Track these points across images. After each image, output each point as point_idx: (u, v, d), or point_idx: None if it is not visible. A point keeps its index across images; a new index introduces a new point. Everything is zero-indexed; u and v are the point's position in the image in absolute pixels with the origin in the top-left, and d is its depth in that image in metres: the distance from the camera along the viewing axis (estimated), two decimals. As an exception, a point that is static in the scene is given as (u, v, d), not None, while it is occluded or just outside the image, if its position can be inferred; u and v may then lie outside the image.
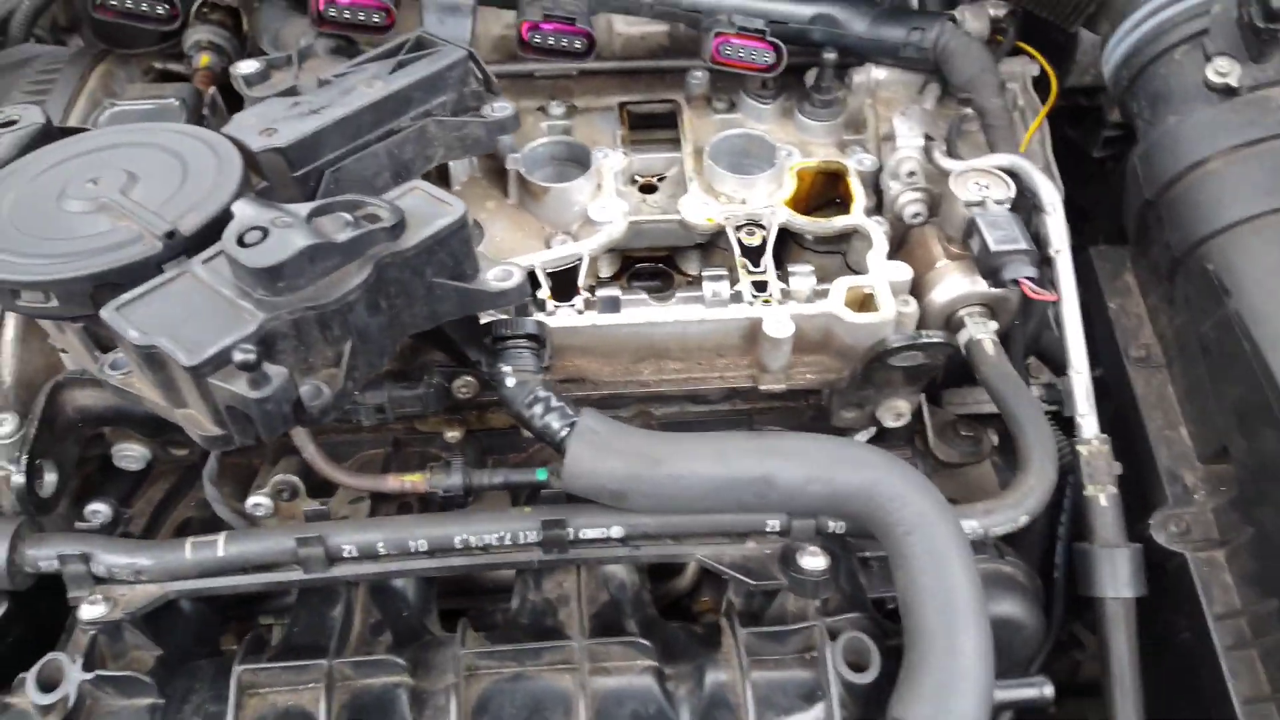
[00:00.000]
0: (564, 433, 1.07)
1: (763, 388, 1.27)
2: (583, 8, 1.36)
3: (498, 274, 0.98)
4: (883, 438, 1.34)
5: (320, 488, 1.29)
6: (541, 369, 1.13)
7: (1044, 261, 1.26)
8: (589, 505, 1.11)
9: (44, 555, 1.08)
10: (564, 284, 1.30)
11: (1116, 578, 1.16)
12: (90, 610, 1.06)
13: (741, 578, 1.11)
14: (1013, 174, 1.30)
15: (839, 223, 1.33)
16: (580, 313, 1.26)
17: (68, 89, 1.32)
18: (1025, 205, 1.31)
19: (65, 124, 1.27)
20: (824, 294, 1.27)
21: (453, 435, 1.33)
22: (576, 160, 1.42)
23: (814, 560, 1.08)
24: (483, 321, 1.12)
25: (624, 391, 1.28)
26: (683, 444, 1.07)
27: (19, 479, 1.08)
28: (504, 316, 1.13)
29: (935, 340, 1.13)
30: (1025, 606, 1.20)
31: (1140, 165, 1.32)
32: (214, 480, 1.16)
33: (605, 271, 1.44)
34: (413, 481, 1.20)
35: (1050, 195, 1.28)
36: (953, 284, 1.30)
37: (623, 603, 1.18)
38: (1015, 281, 1.19)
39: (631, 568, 1.22)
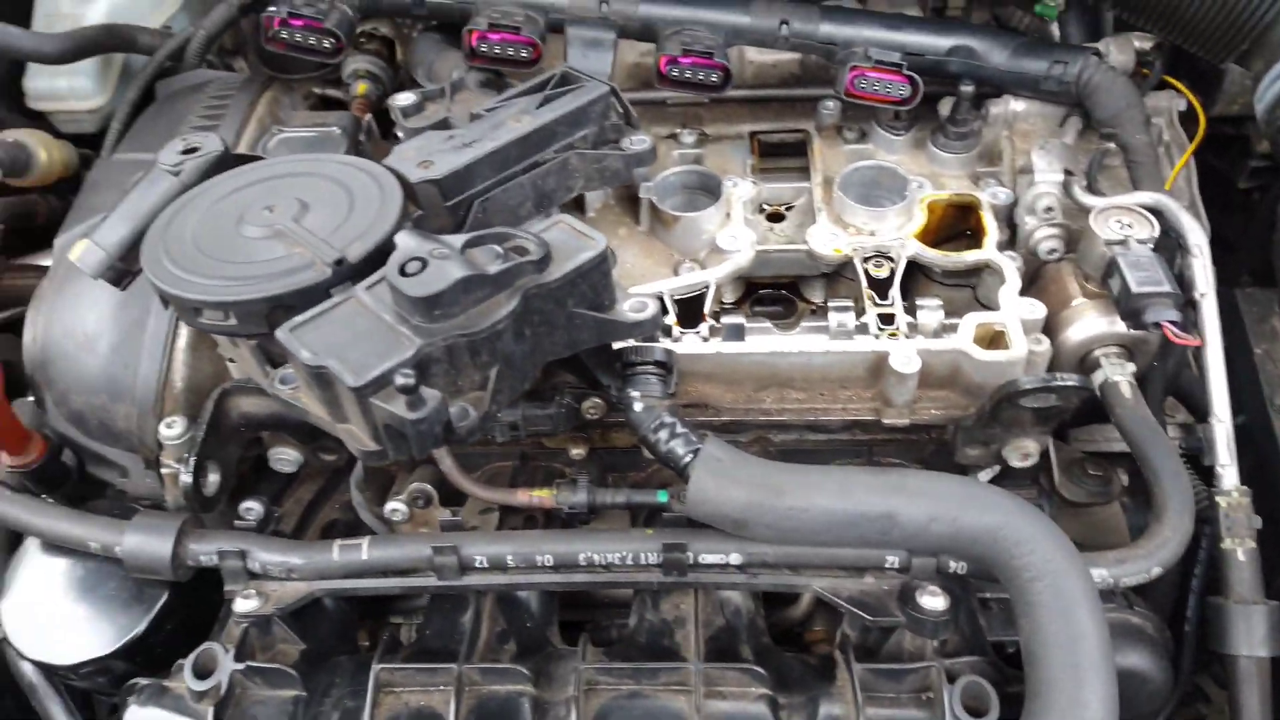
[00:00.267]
0: (688, 459, 1.10)
1: (886, 421, 1.27)
2: (719, 41, 1.39)
3: (633, 305, 1.02)
4: (1006, 476, 1.32)
5: (452, 496, 1.35)
6: (668, 395, 1.16)
7: (1187, 304, 1.22)
8: (709, 530, 1.13)
9: (205, 550, 1.17)
10: (690, 310, 1.33)
11: (1252, 635, 1.12)
12: (244, 604, 1.15)
13: (859, 613, 1.11)
14: (1157, 212, 1.27)
15: (970, 257, 1.32)
16: (705, 340, 1.29)
17: (239, 114, 1.43)
18: (1169, 245, 1.28)
19: (236, 147, 1.38)
20: (952, 329, 1.27)
21: (577, 452, 1.37)
22: (707, 189, 1.45)
23: (934, 600, 1.08)
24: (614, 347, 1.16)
25: (745, 419, 1.30)
26: (806, 476, 1.09)
27: (186, 479, 1.17)
28: (634, 343, 1.17)
29: (1070, 384, 1.11)
30: (1153, 659, 1.17)
31: (1291, 207, 1.27)
32: (360, 487, 1.24)
33: (729, 297, 1.47)
34: (540, 497, 1.25)
35: (1196, 236, 1.25)
36: (1089, 323, 1.28)
37: (738, 628, 1.21)
38: (1157, 325, 1.16)
39: (747, 594, 1.24)
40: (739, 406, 1.30)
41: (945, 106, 1.51)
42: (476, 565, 1.15)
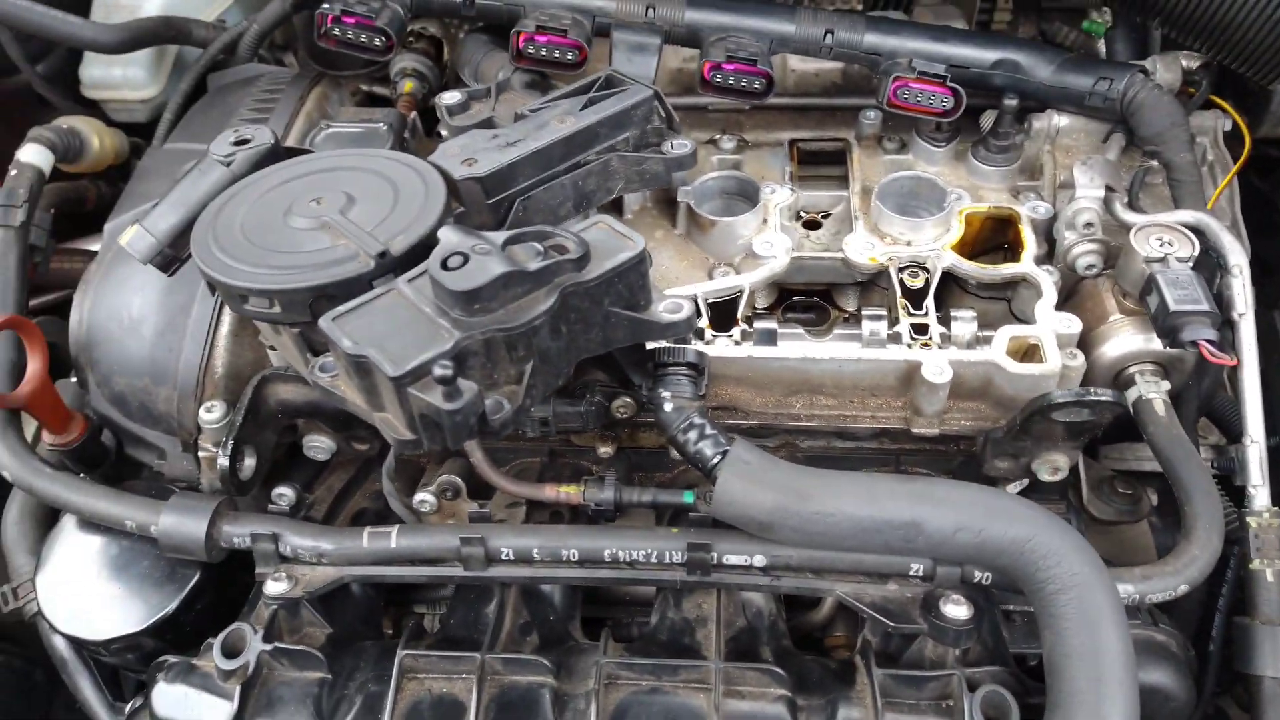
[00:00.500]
0: (715, 460, 1.11)
1: (915, 431, 1.27)
2: (764, 48, 1.40)
3: (669, 306, 1.03)
4: (1035, 490, 1.32)
5: (480, 490, 1.37)
6: (699, 396, 1.17)
7: (1225, 324, 1.22)
8: (734, 532, 1.14)
9: (238, 532, 1.20)
10: (723, 314, 1.34)
11: (1278, 657, 1.11)
12: (274, 586, 1.17)
13: (881, 618, 1.12)
14: (1198, 231, 1.26)
15: (1007, 270, 1.32)
16: (738, 343, 1.30)
17: (288, 108, 1.46)
18: (1208, 264, 1.27)
19: (285, 140, 1.41)
20: (985, 341, 1.27)
21: (605, 451, 1.39)
22: (745, 195, 1.46)
23: (957, 609, 1.08)
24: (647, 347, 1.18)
25: (774, 423, 1.31)
26: (832, 481, 1.09)
27: (223, 461, 1.20)
28: (667, 344, 1.18)
29: (1103, 399, 1.11)
30: (1176, 677, 1.16)
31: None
32: (391, 476, 1.26)
33: (762, 303, 1.47)
34: (568, 492, 1.26)
35: (1236, 256, 1.24)
36: (1125, 340, 1.27)
37: (759, 630, 1.21)
38: (1194, 344, 1.16)
39: (769, 596, 1.24)
40: (769, 411, 1.31)
41: (987, 120, 1.51)
42: (503, 557, 1.17)
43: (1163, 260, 1.24)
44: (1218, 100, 1.49)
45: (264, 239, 1.04)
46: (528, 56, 1.39)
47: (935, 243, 1.37)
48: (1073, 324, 1.25)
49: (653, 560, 1.16)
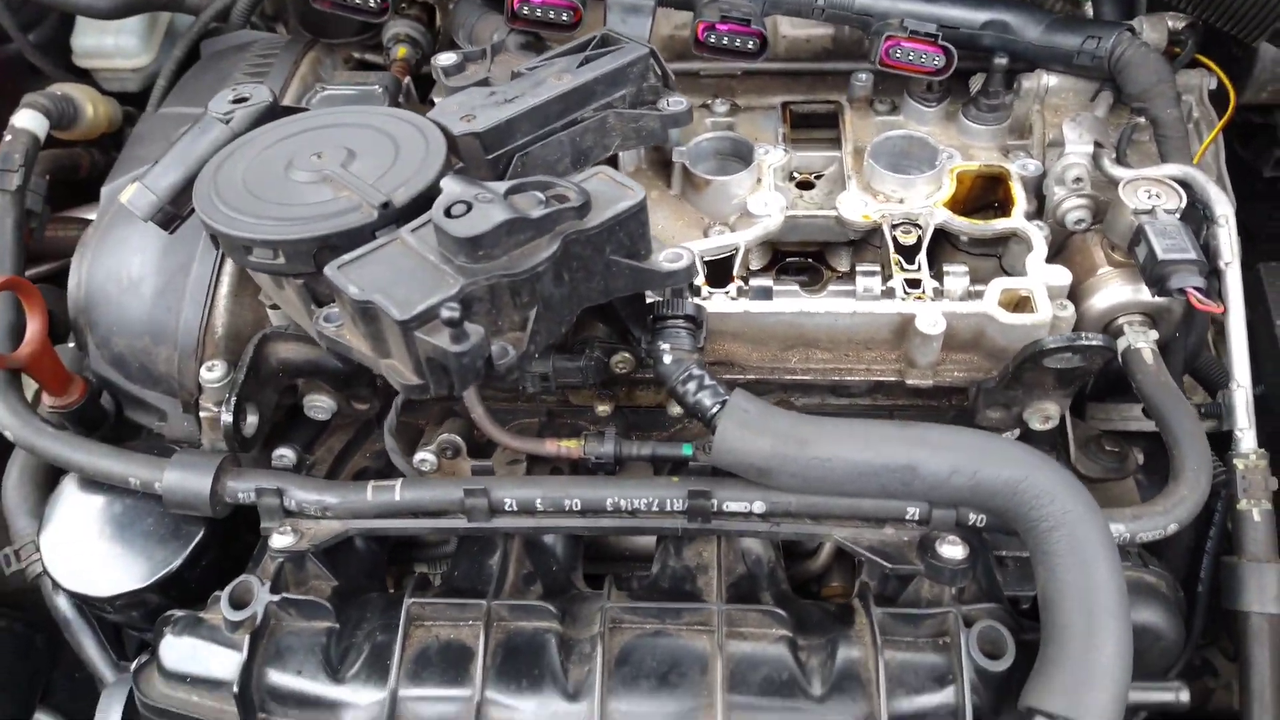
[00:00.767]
0: (715, 410, 1.13)
1: (909, 382, 1.29)
2: (756, 9, 1.41)
3: (669, 255, 1.05)
4: (1026, 441, 1.34)
5: (479, 449, 1.39)
6: (697, 349, 1.19)
7: (1212, 273, 1.24)
8: (734, 479, 1.16)
9: (243, 488, 1.21)
10: (719, 273, 1.35)
11: (1264, 593, 1.15)
12: (280, 540, 1.18)
13: (879, 560, 1.14)
14: (1185, 184, 1.29)
15: (999, 225, 1.34)
16: (733, 299, 1.32)
17: (283, 72, 1.46)
18: (1195, 217, 1.29)
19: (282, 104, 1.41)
20: (978, 295, 1.29)
21: (603, 409, 1.40)
22: (739, 155, 1.47)
23: (953, 549, 1.10)
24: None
25: (771, 378, 1.33)
26: (830, 427, 1.11)
27: (227, 418, 1.21)
28: (664, 298, 1.20)
29: (1094, 343, 1.13)
30: (1166, 616, 1.19)
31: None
32: (393, 433, 1.27)
33: (755, 264, 1.49)
34: (568, 447, 1.28)
35: (1223, 207, 1.27)
36: (1114, 291, 1.30)
37: (759, 577, 1.23)
38: (1181, 291, 1.18)
39: (767, 544, 1.26)
40: (764, 365, 1.33)
41: (976, 83, 1.53)
42: (506, 508, 1.19)
43: (1150, 212, 1.26)
44: (1203, 59, 1.51)
45: (266, 192, 1.05)
46: (522, 18, 1.39)
47: (927, 200, 1.39)
48: (1063, 276, 1.28)
49: (654, 509, 1.18)
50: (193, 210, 1.15)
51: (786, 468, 1.10)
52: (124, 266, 1.29)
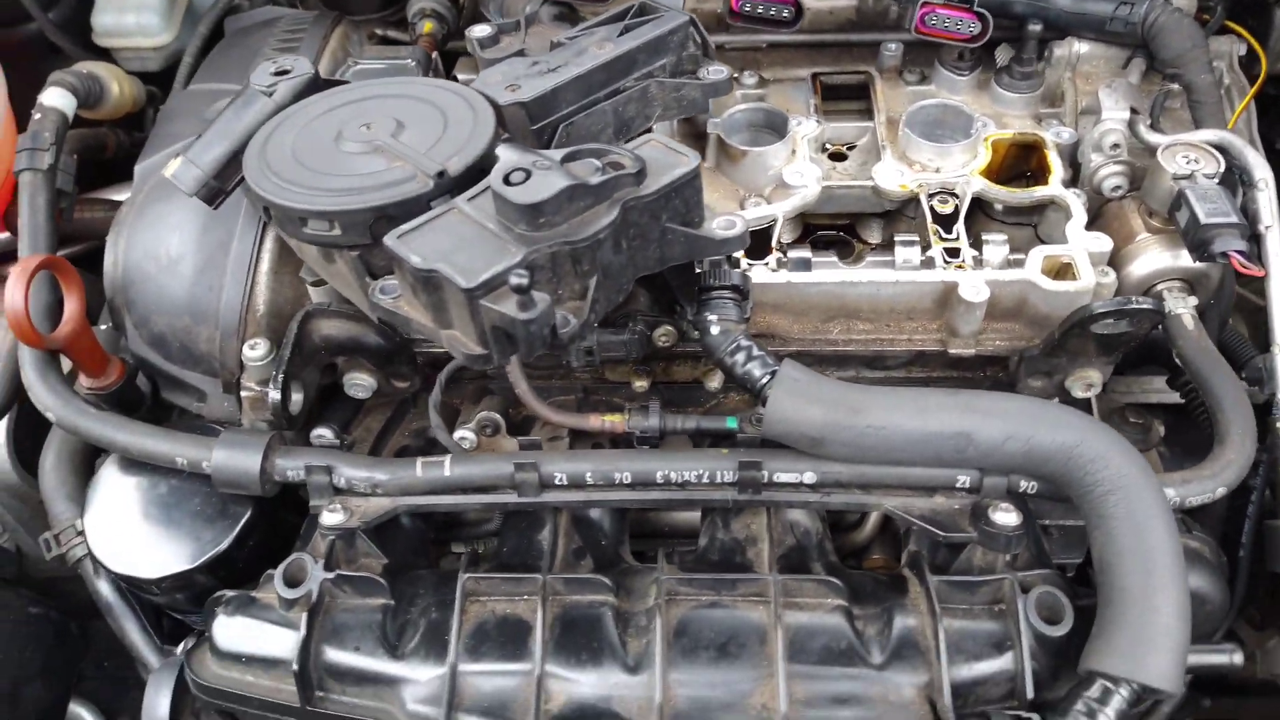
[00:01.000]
0: (765, 380, 1.13)
1: (952, 352, 1.29)
2: (791, -23, 1.41)
3: (722, 223, 1.04)
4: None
5: (517, 426, 1.39)
6: (743, 320, 1.19)
7: (1252, 238, 1.24)
8: (784, 450, 1.16)
9: (292, 466, 1.20)
10: (756, 244, 1.34)
11: (1308, 554, 1.15)
12: (330, 517, 1.18)
13: (932, 529, 1.14)
14: (1222, 149, 1.29)
15: (1038, 193, 1.34)
16: (774, 270, 1.31)
17: (313, 47, 1.45)
18: (1231, 182, 1.30)
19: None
20: (1018, 263, 1.29)
21: (640, 385, 1.40)
22: (772, 127, 1.47)
23: (1006, 515, 1.11)
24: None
25: (812, 350, 1.33)
26: (883, 396, 1.11)
27: (275, 395, 1.20)
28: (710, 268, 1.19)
29: (1143, 306, 1.14)
30: (1211, 581, 1.20)
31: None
32: (438, 409, 1.26)
33: (787, 237, 1.49)
34: (612, 421, 1.28)
35: (1261, 171, 1.27)
36: (1153, 258, 1.30)
37: (808, 548, 1.24)
38: (1224, 255, 1.18)
39: (814, 516, 1.27)
40: (806, 337, 1.33)
41: (1002, 54, 1.53)
42: (556, 482, 1.18)
43: (1190, 177, 1.26)
44: (1232, 25, 1.51)
45: (318, 164, 1.04)
46: (556, -11, 1.39)
47: (963, 169, 1.39)
48: (1104, 242, 1.28)
49: (704, 480, 1.18)
50: (236, 185, 1.14)
51: (839, 436, 1.10)
52: (162, 245, 1.28)
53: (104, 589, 1.36)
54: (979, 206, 1.42)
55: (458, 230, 0.95)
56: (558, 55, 1.19)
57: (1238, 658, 1.10)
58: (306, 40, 1.46)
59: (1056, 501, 1.18)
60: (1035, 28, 1.42)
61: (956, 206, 1.36)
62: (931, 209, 1.36)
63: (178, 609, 1.37)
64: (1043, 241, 1.40)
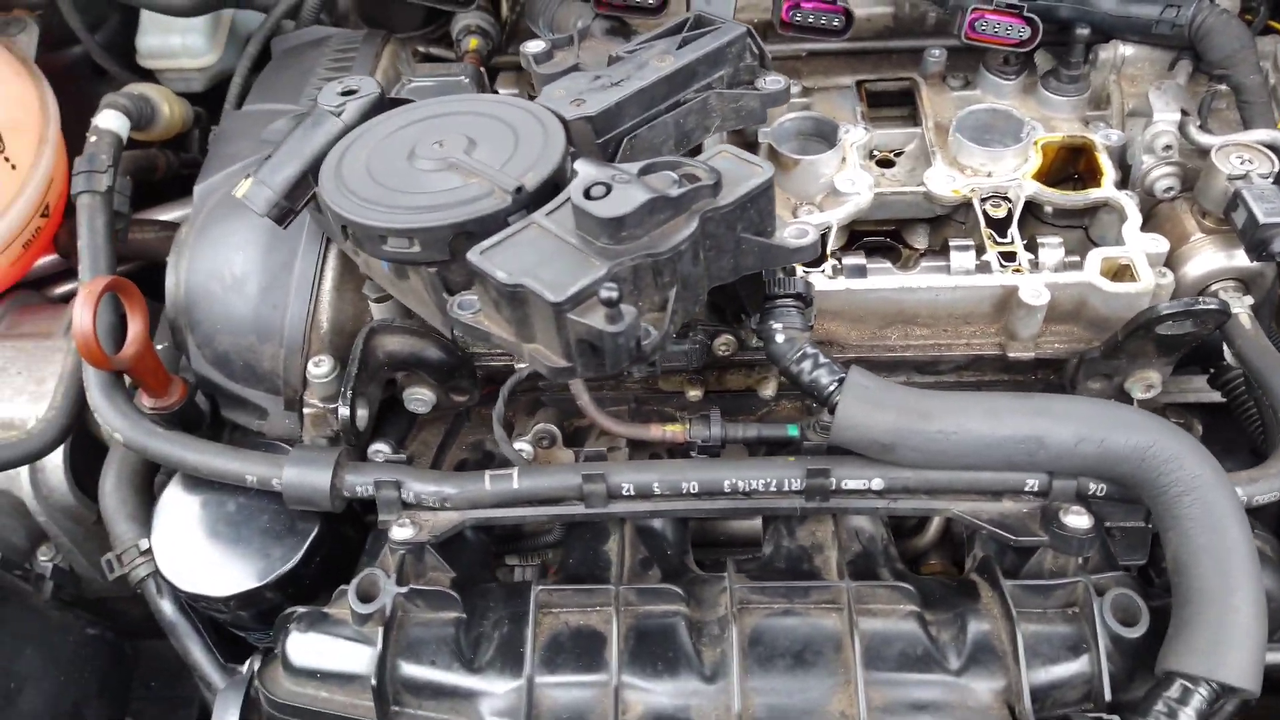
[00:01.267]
0: (833, 387, 1.13)
1: (1011, 355, 1.30)
2: (838, -13, 1.42)
3: (794, 232, 1.05)
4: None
5: (571, 438, 1.39)
6: (808, 327, 1.19)
7: (1308, 237, 1.25)
8: (852, 456, 1.16)
9: (361, 481, 1.21)
10: (809, 252, 1.36)
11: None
12: (400, 532, 1.18)
13: (1002, 534, 1.15)
14: (1275, 149, 1.30)
15: (1092, 195, 1.35)
16: (830, 278, 1.32)
17: (365, 66, 1.46)
18: (1284, 183, 1.30)
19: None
20: (1073, 265, 1.30)
21: (694, 394, 1.41)
22: (821, 135, 1.48)
23: (1079, 519, 1.11)
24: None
25: (870, 356, 1.33)
26: (953, 401, 1.12)
27: (345, 411, 1.21)
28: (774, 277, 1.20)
29: (1210, 307, 1.14)
30: (1275, 579, 1.20)
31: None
32: (502, 422, 1.27)
33: (833, 244, 1.50)
34: (673, 431, 1.28)
35: (1317, 169, 1.28)
36: (1208, 258, 1.31)
37: (874, 554, 1.24)
38: (1285, 254, 1.19)
39: (877, 522, 1.27)
40: (864, 343, 1.33)
41: (1041, 59, 1.54)
42: (624, 493, 1.19)
43: (1245, 177, 1.27)
44: (1276, 25, 1.52)
45: (394, 182, 1.05)
46: (608, 2, 1.40)
47: (1015, 173, 1.40)
48: (1161, 243, 1.29)
49: (771, 489, 1.18)
50: (306, 205, 1.15)
51: (910, 442, 1.10)
52: (227, 265, 1.29)
53: (167, 608, 1.36)
54: (1028, 210, 1.42)
55: (539, 245, 0.96)
56: (618, 69, 1.20)
57: (1310, 656, 1.10)
58: (359, 60, 1.48)
59: (1119, 504, 1.19)
60: (1083, 31, 1.43)
61: (1010, 210, 1.37)
62: (984, 213, 1.37)
63: (242, 626, 1.37)
64: (1094, 244, 1.40)
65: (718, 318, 1.29)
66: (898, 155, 1.52)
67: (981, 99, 1.53)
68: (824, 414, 1.22)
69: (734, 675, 1.08)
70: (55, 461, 1.48)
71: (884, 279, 1.31)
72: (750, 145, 1.48)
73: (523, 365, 1.33)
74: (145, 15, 1.70)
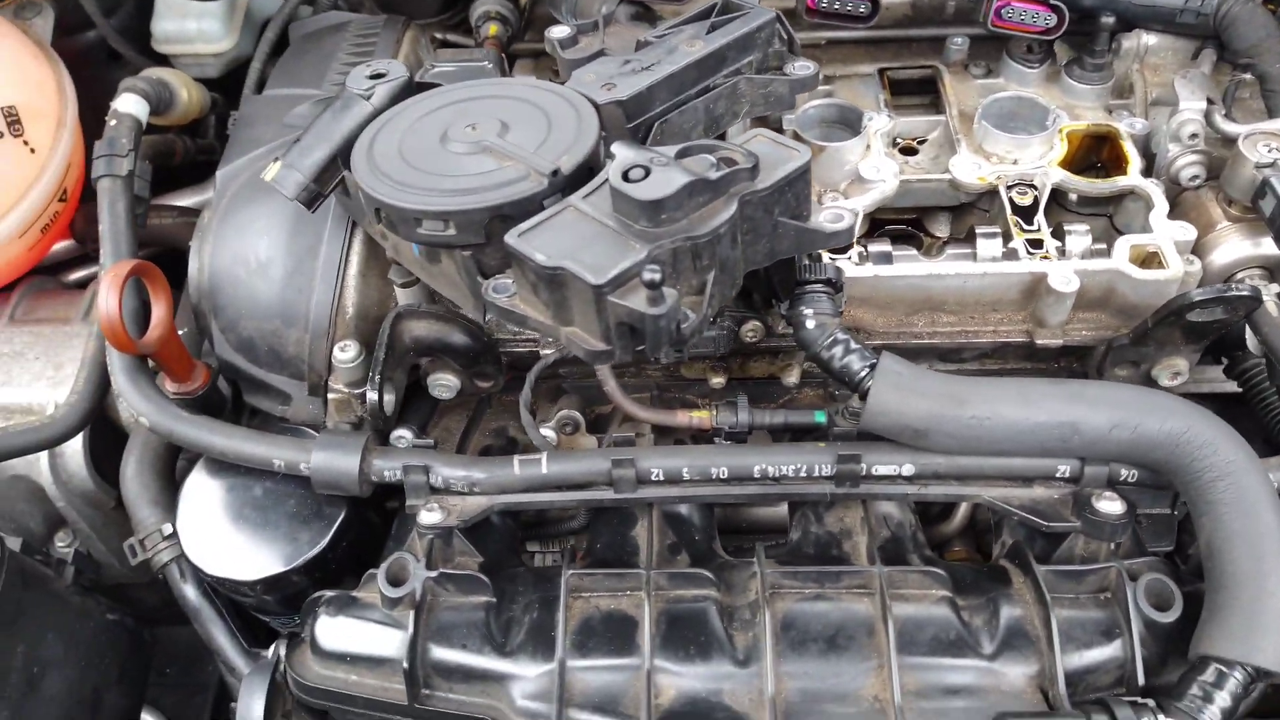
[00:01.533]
0: (864, 373, 1.13)
1: (1039, 342, 1.30)
2: (861, -27, 1.41)
3: (830, 216, 1.05)
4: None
5: (594, 425, 1.39)
6: (837, 313, 1.19)
7: (1333, 225, 1.25)
8: (882, 442, 1.16)
9: (389, 466, 1.20)
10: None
11: None
12: (429, 516, 1.18)
13: (1034, 519, 1.15)
14: (1302, 137, 1.30)
15: (1120, 183, 1.35)
16: (857, 265, 1.32)
17: (387, 50, 1.45)
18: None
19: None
20: (1100, 253, 1.30)
21: (717, 382, 1.40)
22: (846, 122, 1.47)
23: (1112, 504, 1.11)
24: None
25: (898, 343, 1.33)
26: (986, 386, 1.12)
27: (373, 396, 1.20)
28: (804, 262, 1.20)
29: (1242, 293, 1.14)
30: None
31: None
32: (529, 406, 1.27)
33: (857, 232, 1.49)
34: (699, 418, 1.28)
35: (1346, 158, 1.28)
36: (1234, 246, 1.31)
37: (903, 540, 1.24)
38: (1315, 241, 1.19)
39: (905, 508, 1.27)
40: (891, 330, 1.33)
41: (1060, 48, 1.54)
42: (653, 478, 1.18)
43: (1273, 165, 1.27)
44: (1299, 14, 1.52)
45: (428, 165, 1.04)
46: (634, -12, 1.39)
47: (1041, 160, 1.40)
48: (1189, 231, 1.29)
49: (801, 474, 1.18)
50: (334, 189, 1.14)
51: (944, 428, 1.10)
52: (251, 249, 1.28)
53: (190, 593, 1.35)
54: (1051, 198, 1.42)
55: (576, 228, 0.95)
56: (648, 54, 1.19)
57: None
58: (380, 45, 1.47)
59: (1147, 490, 1.19)
60: (1108, 20, 1.43)
61: (1036, 198, 1.36)
62: (1010, 200, 1.37)
63: (266, 611, 1.37)
64: (1118, 232, 1.40)
65: (745, 304, 1.29)
66: (921, 143, 1.52)
67: (1004, 87, 1.53)
68: (853, 400, 1.22)
69: (767, 659, 1.08)
70: (75, 447, 1.47)
71: (912, 266, 1.31)
72: (774, 131, 1.47)
73: (548, 351, 1.32)
74: (161, 0, 1.69)
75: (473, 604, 1.15)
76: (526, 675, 1.11)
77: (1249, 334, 1.29)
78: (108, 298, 1.18)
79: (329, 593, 1.19)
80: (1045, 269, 1.26)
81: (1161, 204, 1.31)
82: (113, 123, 1.41)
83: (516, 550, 1.34)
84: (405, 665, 1.09)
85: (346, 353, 1.26)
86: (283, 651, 1.21)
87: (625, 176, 0.94)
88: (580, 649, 1.11)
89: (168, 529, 1.32)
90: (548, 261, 0.91)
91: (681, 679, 1.09)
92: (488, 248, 1.01)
